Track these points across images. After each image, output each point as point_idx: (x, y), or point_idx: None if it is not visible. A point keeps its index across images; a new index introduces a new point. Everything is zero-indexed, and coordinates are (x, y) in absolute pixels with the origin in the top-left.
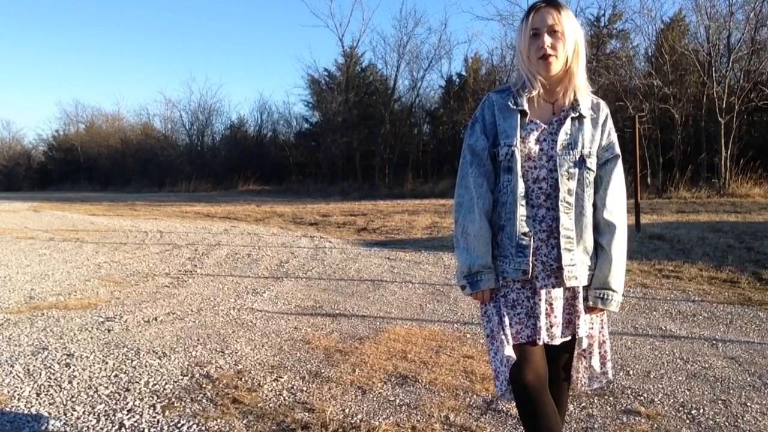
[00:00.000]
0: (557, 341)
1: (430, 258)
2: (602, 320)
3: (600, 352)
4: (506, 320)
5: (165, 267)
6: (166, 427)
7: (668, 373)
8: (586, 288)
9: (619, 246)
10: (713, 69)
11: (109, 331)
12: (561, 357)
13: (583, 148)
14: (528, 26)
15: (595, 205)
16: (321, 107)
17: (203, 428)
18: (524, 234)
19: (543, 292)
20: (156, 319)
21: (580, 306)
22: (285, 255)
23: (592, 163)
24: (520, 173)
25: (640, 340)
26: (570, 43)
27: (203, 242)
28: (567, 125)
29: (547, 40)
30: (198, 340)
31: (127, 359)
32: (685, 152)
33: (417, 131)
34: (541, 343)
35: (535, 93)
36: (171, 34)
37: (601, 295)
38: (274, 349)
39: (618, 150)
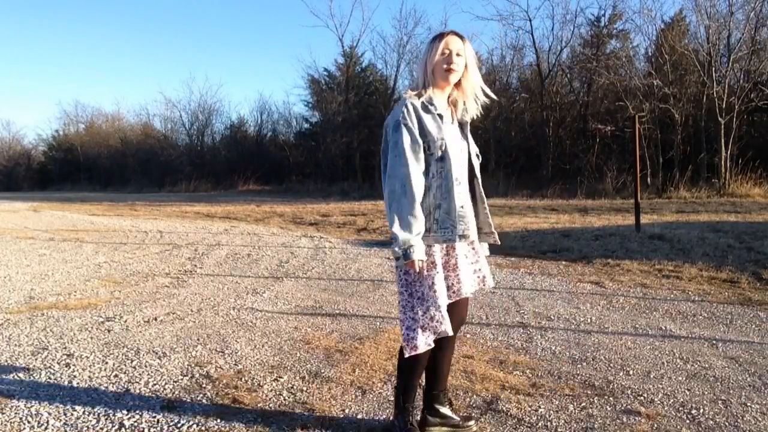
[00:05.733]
0: (481, 284)
1: None
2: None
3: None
4: (444, 283)
5: (165, 267)
6: (166, 427)
7: (668, 373)
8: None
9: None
10: (713, 69)
11: (109, 331)
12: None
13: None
14: (441, 47)
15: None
16: (321, 107)
17: (203, 428)
18: (461, 206)
19: (477, 246)
20: (156, 319)
21: (480, 249)
22: (285, 255)
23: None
24: (452, 160)
25: (640, 340)
26: (465, 63)
27: (203, 242)
28: (466, 123)
29: (455, 58)
30: (198, 340)
31: (127, 359)
32: (685, 152)
33: None
34: (486, 287)
35: (436, 99)
36: (171, 34)
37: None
38: (274, 349)
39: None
